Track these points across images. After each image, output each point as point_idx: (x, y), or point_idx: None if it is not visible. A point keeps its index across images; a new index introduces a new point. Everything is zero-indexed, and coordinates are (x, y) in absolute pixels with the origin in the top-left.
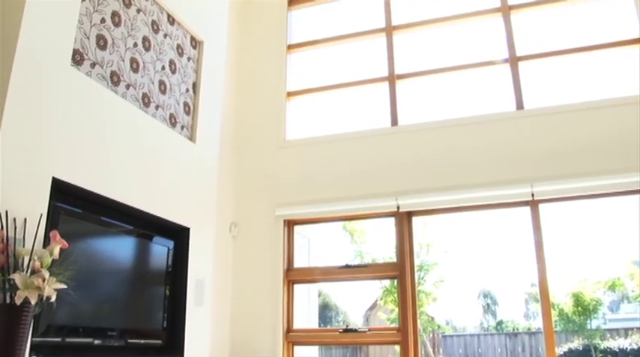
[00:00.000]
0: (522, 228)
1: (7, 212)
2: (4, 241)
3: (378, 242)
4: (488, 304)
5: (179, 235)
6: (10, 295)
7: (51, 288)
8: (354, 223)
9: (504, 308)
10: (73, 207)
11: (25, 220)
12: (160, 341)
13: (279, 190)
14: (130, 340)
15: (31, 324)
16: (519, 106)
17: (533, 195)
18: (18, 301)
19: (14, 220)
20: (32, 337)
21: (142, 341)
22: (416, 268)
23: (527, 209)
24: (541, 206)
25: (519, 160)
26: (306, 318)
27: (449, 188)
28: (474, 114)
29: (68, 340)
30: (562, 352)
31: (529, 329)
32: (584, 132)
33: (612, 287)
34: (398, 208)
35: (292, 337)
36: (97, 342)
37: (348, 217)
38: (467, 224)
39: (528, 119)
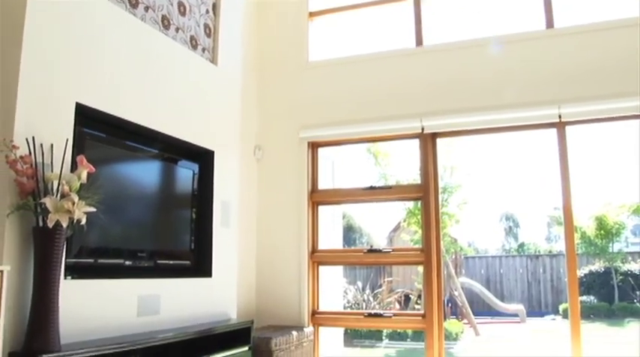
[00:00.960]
0: (547, 151)
1: (33, 138)
2: (33, 166)
3: (402, 164)
4: (510, 227)
5: (204, 158)
6: (42, 219)
7: (80, 211)
8: (379, 145)
9: (526, 231)
10: (98, 132)
11: (52, 145)
12: (188, 262)
13: (302, 113)
14: (159, 261)
15: (64, 246)
16: (549, 24)
17: (560, 116)
18: (50, 224)
19: (41, 145)
20: (66, 258)
21: (171, 262)
22: (440, 190)
23: (554, 131)
24: (568, 128)
25: (547, 80)
26: (330, 239)
27: (474, 109)
28: (501, 33)
29: (100, 261)
30: (583, 274)
31: (550, 252)
32: (615, 52)
33: (636, 211)
34: (422, 129)
35: (317, 258)
36: (127, 263)
37: (372, 138)
38: (491, 147)
39: (558, 39)
